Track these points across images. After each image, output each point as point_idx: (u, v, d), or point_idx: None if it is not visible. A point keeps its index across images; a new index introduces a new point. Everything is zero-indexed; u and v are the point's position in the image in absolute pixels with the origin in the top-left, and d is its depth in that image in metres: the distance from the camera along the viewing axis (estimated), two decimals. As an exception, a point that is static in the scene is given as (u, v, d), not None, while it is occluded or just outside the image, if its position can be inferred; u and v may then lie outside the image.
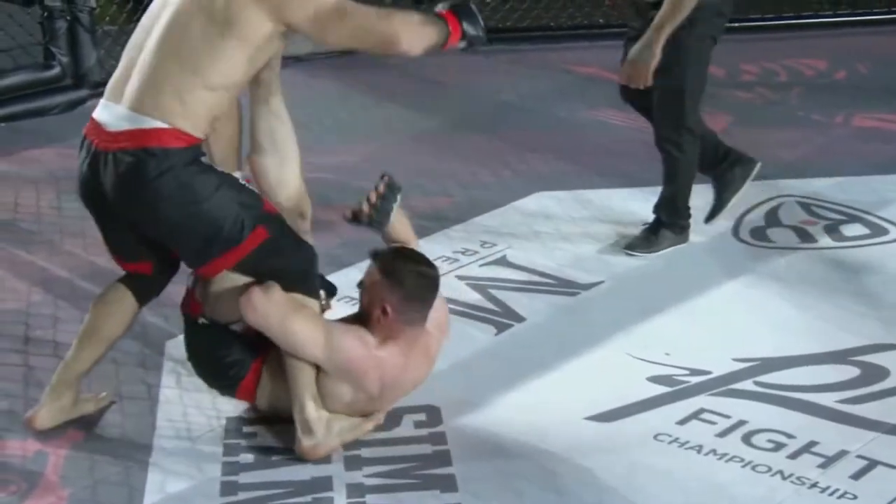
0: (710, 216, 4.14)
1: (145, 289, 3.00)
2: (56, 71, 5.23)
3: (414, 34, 2.79)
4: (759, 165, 4.11)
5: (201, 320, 2.94)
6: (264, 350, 2.91)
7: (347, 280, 3.30)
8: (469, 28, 2.87)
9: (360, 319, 2.94)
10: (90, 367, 3.01)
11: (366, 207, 2.98)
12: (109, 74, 5.54)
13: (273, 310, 2.81)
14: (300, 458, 2.87)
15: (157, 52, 2.71)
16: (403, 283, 2.89)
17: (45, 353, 3.35)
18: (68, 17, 5.17)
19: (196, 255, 2.81)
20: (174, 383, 3.20)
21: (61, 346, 3.14)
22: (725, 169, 4.09)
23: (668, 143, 3.94)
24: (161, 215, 2.73)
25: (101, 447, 2.97)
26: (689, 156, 3.97)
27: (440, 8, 2.88)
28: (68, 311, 3.58)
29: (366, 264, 3.00)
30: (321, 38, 2.80)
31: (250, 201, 2.81)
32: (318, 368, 2.86)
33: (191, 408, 3.11)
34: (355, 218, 3.01)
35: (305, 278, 2.88)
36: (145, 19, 2.82)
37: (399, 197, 3.02)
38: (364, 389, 2.89)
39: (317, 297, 2.92)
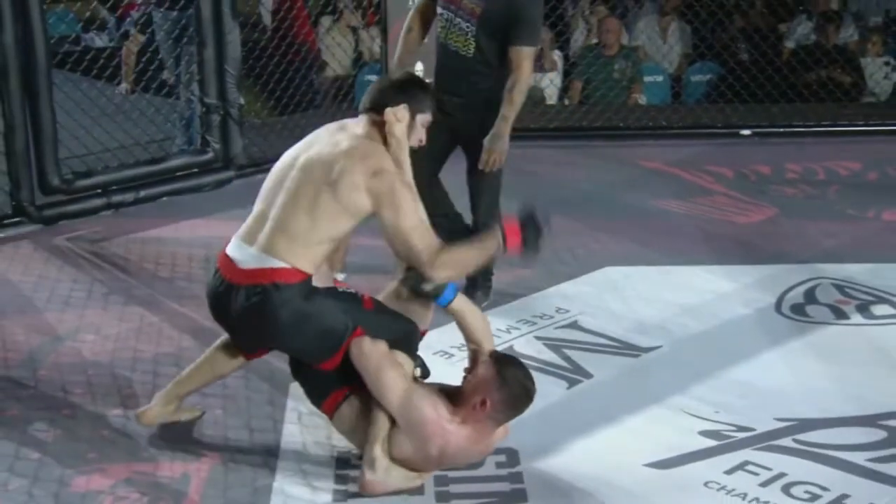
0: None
1: None
2: (210, 155, 5.36)
3: (447, 266, 2.84)
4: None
5: None
6: (350, 385, 2.94)
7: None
8: (530, 238, 3.03)
9: (452, 393, 2.91)
10: (197, 390, 3.16)
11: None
12: (252, 159, 5.68)
13: (375, 354, 2.87)
14: (358, 491, 2.87)
15: (288, 210, 2.86)
16: (511, 389, 2.85)
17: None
18: (221, 112, 5.33)
19: (311, 358, 2.97)
20: (296, 420, 3.24)
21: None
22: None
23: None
24: (280, 337, 2.90)
25: (235, 471, 3.01)
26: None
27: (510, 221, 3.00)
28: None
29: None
30: (383, 226, 2.84)
31: (351, 306, 2.94)
32: (392, 420, 2.87)
33: (309, 442, 3.14)
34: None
35: (400, 346, 2.94)
36: (277, 174, 2.94)
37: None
38: (424, 451, 2.85)
39: (413, 360, 2.97)
